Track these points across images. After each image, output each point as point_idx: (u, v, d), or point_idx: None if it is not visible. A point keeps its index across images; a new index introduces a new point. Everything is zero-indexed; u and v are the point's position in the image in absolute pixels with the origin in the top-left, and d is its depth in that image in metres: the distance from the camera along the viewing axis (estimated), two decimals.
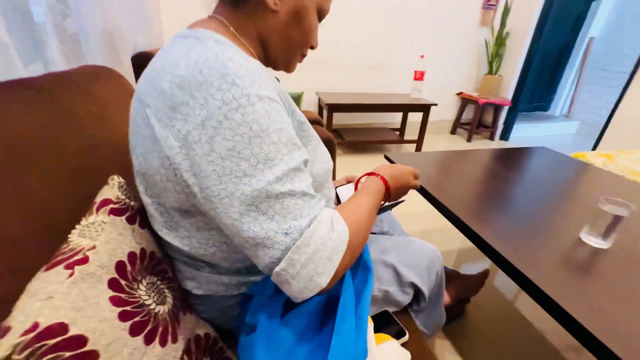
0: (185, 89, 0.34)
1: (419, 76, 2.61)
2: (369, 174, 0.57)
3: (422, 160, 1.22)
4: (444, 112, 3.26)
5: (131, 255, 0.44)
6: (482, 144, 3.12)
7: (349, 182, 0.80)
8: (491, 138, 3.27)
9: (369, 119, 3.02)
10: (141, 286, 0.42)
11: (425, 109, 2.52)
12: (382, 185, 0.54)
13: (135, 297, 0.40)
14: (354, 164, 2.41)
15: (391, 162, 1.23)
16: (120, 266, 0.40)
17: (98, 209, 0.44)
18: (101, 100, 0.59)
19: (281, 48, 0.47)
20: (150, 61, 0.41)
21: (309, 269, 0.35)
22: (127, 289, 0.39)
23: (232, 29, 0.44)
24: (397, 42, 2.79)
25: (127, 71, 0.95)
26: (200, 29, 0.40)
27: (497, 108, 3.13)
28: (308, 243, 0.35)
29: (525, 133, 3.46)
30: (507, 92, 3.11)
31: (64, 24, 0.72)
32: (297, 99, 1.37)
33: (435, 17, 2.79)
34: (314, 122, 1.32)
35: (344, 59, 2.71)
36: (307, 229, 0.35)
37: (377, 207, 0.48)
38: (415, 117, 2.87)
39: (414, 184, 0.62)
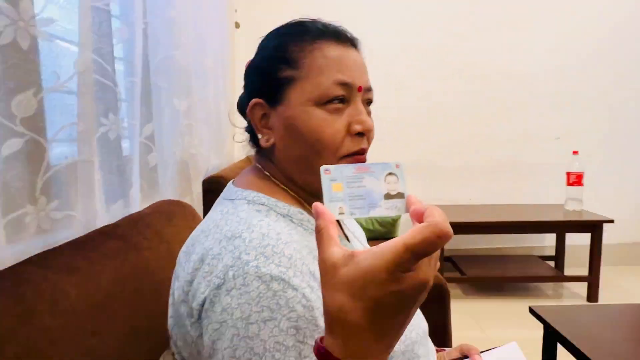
0: (203, 261, 0.47)
1: (575, 179, 2.52)
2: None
3: (598, 320, 1.09)
4: (631, 231, 2.92)
5: None
6: None
7: (464, 356, 0.76)
8: None
9: (503, 241, 2.90)
10: None
11: (593, 227, 2.33)
12: None
13: None
14: (480, 313, 2.22)
15: (538, 317, 1.12)
16: None
17: None
18: (170, 243, 0.80)
19: (298, 170, 0.57)
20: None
21: None
22: None
23: (266, 172, 0.59)
24: (535, 132, 2.87)
25: (195, 199, 1.23)
26: (238, 188, 0.58)
27: None
28: None
29: None
30: None
31: (148, 157, 1.02)
32: (392, 224, 1.47)
33: (587, 99, 2.85)
34: None
35: (457, 158, 2.86)
36: None
37: None
38: (579, 239, 2.63)
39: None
